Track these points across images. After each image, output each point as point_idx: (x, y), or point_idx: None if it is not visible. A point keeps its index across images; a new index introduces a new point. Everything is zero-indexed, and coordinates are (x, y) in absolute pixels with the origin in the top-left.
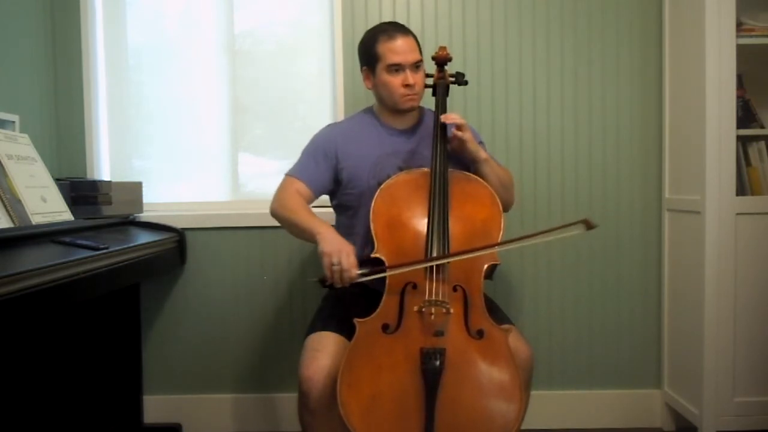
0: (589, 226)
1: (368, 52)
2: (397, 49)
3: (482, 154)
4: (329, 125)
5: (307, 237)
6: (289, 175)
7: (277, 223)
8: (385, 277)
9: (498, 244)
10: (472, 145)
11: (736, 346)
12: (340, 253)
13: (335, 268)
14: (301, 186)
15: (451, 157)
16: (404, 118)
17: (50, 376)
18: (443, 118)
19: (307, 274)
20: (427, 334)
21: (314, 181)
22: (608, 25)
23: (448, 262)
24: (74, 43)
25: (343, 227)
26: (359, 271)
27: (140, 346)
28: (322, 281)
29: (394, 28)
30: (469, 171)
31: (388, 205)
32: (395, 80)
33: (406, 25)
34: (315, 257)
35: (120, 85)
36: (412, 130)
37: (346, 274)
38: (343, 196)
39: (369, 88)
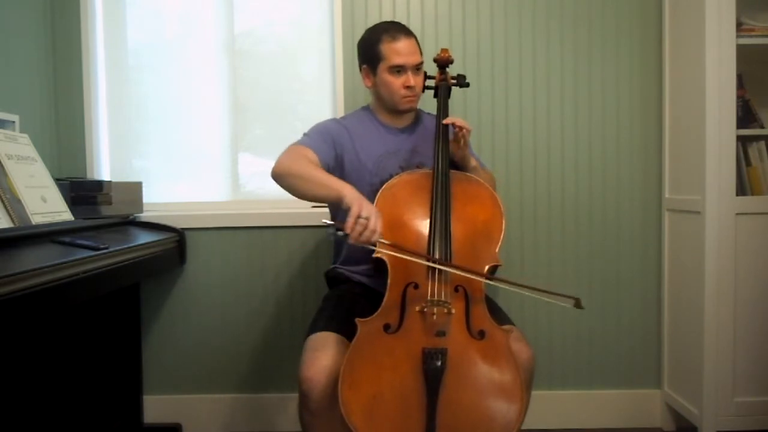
0: (578, 305)
1: (370, 51)
2: (401, 51)
3: (473, 162)
4: (333, 119)
5: (325, 194)
6: (297, 144)
7: (276, 223)
8: (387, 277)
9: (491, 279)
10: (467, 151)
11: (736, 346)
12: (371, 211)
13: (362, 221)
14: (310, 154)
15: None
16: (402, 117)
17: (50, 376)
18: (449, 120)
19: (307, 274)
20: (429, 335)
21: (323, 156)
22: (608, 25)
23: (448, 264)
24: (74, 43)
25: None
26: (381, 240)
27: (140, 346)
28: (338, 228)
29: (397, 29)
30: None
31: (390, 206)
32: (397, 81)
33: (406, 25)
34: (316, 256)
35: (120, 85)
36: (410, 129)
37: (368, 233)
38: None
39: (368, 87)
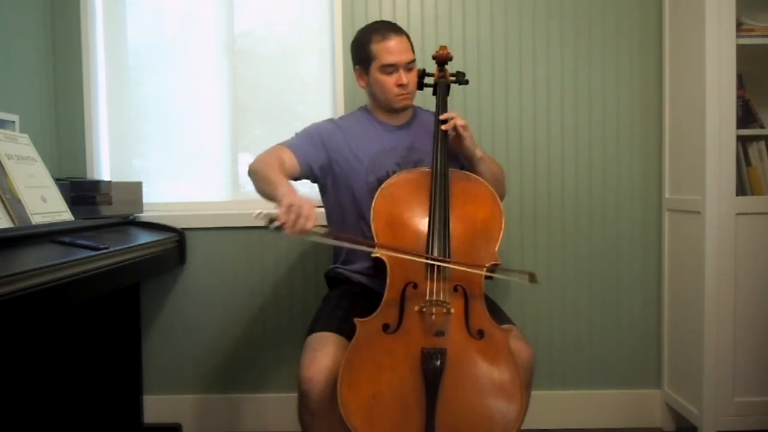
0: (532, 279)
1: (362, 52)
2: (392, 49)
3: (479, 152)
4: (329, 119)
5: (269, 192)
6: (280, 144)
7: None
8: (386, 277)
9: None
10: (470, 142)
11: (736, 346)
12: (303, 201)
13: (293, 208)
14: (288, 155)
15: (450, 155)
16: (399, 115)
17: (50, 376)
18: (445, 123)
19: (307, 273)
20: (428, 334)
21: (304, 157)
22: (608, 25)
23: (445, 264)
24: (74, 43)
25: (336, 225)
26: (315, 227)
27: (140, 346)
28: (272, 220)
29: (388, 28)
30: (463, 168)
31: (389, 205)
32: (389, 80)
33: (407, 24)
34: (316, 256)
35: (120, 85)
36: (407, 126)
37: (302, 221)
38: (337, 192)
39: (362, 87)
